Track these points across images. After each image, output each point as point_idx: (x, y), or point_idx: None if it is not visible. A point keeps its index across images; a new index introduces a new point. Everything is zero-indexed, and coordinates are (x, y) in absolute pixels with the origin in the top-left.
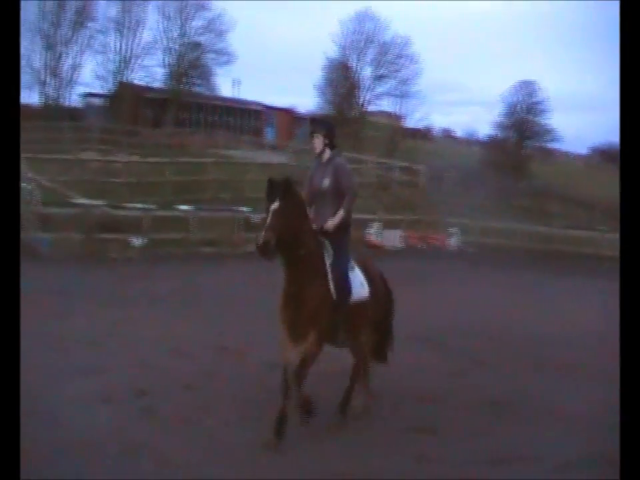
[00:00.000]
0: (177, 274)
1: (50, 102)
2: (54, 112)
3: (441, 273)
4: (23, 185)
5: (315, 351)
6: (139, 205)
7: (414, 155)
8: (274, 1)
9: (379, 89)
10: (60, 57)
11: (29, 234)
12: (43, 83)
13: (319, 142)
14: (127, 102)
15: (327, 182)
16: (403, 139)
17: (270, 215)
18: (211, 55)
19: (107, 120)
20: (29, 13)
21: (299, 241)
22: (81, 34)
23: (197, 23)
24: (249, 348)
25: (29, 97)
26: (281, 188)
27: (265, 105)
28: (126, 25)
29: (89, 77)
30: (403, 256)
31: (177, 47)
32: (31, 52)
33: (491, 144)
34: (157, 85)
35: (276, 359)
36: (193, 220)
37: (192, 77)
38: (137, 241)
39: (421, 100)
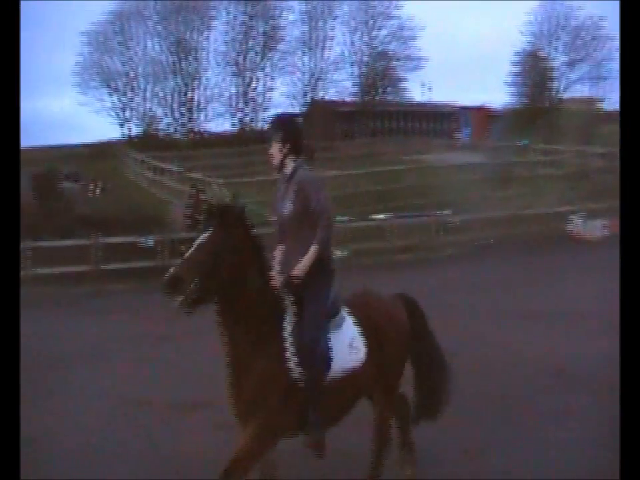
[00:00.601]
0: (374, 281)
1: (244, 127)
2: (249, 136)
3: None
4: None
5: (254, 450)
6: (337, 218)
7: (614, 138)
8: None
9: (574, 75)
10: (250, 82)
11: None
12: (236, 110)
13: (275, 150)
14: (319, 118)
15: (287, 206)
16: (601, 124)
17: (193, 246)
18: (400, 62)
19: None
20: (218, 44)
21: (236, 291)
22: (269, 57)
23: (384, 32)
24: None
25: (223, 124)
26: (217, 214)
27: (457, 106)
28: (313, 42)
29: (280, 98)
30: (609, 246)
31: (365, 58)
32: (221, 81)
33: None
34: (347, 98)
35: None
36: (391, 228)
37: (382, 86)
38: (335, 254)
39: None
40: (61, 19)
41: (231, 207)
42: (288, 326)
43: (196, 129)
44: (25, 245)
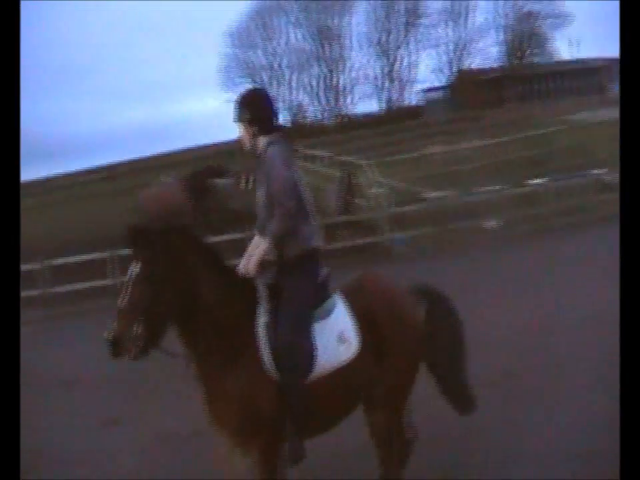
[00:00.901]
0: (534, 249)
1: (391, 105)
2: (397, 114)
3: None
4: (375, 189)
5: (267, 473)
6: (490, 188)
7: None
8: None
9: None
10: (395, 60)
11: (384, 235)
12: (382, 89)
13: (244, 133)
14: (466, 88)
15: (261, 191)
16: None
17: (127, 288)
18: (546, 21)
19: (449, 110)
20: (360, 26)
21: (189, 317)
22: (412, 33)
23: None
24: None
25: (370, 106)
26: (143, 241)
27: (607, 58)
28: (455, 12)
29: (426, 72)
30: None
31: (509, 22)
32: (366, 63)
33: None
34: (494, 64)
35: None
36: (546, 192)
37: (529, 48)
38: (491, 224)
39: None
40: (203, 22)
41: (153, 229)
42: (262, 319)
43: (343, 113)
44: None
